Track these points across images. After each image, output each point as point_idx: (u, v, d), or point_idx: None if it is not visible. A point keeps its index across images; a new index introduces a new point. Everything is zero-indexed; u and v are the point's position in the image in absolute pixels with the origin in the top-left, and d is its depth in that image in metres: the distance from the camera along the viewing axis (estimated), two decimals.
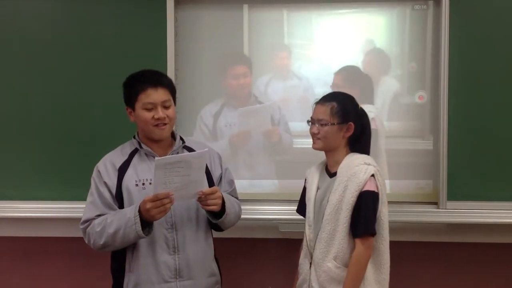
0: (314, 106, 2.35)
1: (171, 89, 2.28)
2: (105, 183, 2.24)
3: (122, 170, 2.26)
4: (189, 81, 3.06)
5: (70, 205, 2.96)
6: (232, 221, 2.36)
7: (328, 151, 2.34)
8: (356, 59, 3.01)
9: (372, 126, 2.88)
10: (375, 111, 2.96)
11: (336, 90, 2.91)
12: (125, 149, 2.33)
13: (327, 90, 2.87)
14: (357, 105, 2.34)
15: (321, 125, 2.27)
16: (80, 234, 2.28)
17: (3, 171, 3.10)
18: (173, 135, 2.35)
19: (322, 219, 2.26)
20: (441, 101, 2.88)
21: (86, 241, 2.26)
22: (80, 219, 2.27)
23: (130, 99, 2.24)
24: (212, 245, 2.38)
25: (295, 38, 3.07)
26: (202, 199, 2.16)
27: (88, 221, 2.23)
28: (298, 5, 3.04)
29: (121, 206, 2.24)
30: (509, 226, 2.93)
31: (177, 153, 2.32)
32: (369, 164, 2.24)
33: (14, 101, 3.09)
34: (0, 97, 3.10)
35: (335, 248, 2.21)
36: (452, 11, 2.87)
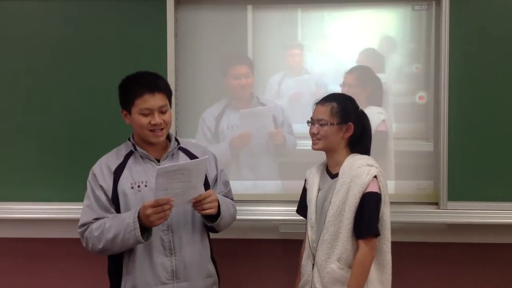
0: (315, 106, 2.35)
1: (168, 92, 2.26)
2: (101, 186, 2.24)
3: (118, 173, 2.25)
4: (189, 82, 3.06)
5: (70, 206, 2.94)
6: (227, 223, 2.35)
7: (328, 151, 2.34)
8: (357, 59, 3.01)
9: (382, 128, 2.88)
10: (385, 113, 2.96)
11: (347, 89, 2.93)
12: (121, 151, 2.32)
13: (335, 89, 2.90)
14: (357, 106, 2.35)
15: (321, 125, 2.28)
16: (78, 236, 2.28)
17: (3, 172, 3.10)
18: (168, 137, 2.34)
19: (325, 220, 2.26)
20: (442, 102, 2.88)
21: (84, 245, 2.25)
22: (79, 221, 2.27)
23: (126, 102, 2.23)
24: (209, 246, 2.38)
25: (302, 38, 3.06)
26: (197, 204, 2.16)
27: (86, 224, 2.23)
28: (303, 5, 3.03)
29: (117, 209, 2.24)
30: (509, 227, 2.93)
31: (172, 154, 2.33)
32: (371, 166, 2.24)
33: (14, 102, 3.09)
34: (0, 98, 3.10)
35: (339, 250, 2.21)
36: (453, 12, 2.86)
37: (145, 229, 2.13)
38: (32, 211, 3.05)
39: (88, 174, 2.31)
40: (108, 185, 2.24)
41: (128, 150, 2.31)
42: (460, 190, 2.91)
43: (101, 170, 2.27)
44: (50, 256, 3.23)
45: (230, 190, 2.47)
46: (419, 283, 3.09)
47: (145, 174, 2.24)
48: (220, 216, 2.23)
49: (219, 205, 2.23)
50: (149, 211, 2.06)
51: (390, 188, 2.81)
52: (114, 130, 2.78)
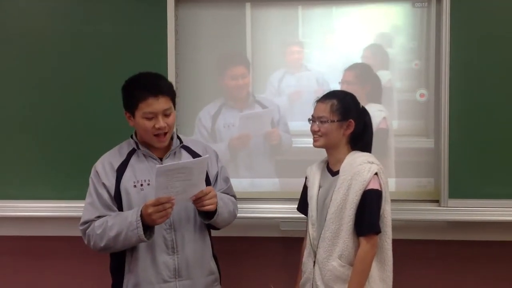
0: (315, 104, 2.35)
1: (171, 94, 2.25)
2: (103, 184, 2.24)
3: (120, 171, 2.25)
4: (189, 80, 3.05)
5: (71, 204, 2.95)
6: (227, 220, 2.36)
7: (329, 148, 2.34)
8: (357, 56, 3.00)
9: (383, 125, 2.87)
10: (386, 110, 2.96)
11: (346, 86, 2.93)
12: (123, 149, 2.32)
13: (335, 87, 2.91)
14: (358, 103, 2.35)
15: (321, 122, 2.28)
16: (80, 234, 2.28)
17: (4, 170, 3.10)
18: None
19: (326, 218, 2.26)
20: (442, 99, 2.88)
21: (86, 242, 2.25)
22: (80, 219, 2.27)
23: (130, 105, 2.22)
24: (210, 243, 2.38)
25: (301, 35, 3.06)
26: (198, 201, 2.16)
27: (88, 222, 2.23)
28: (303, 2, 3.03)
29: (119, 207, 2.24)
30: (510, 224, 2.93)
31: (175, 153, 2.33)
32: (372, 163, 2.24)
33: (14, 100, 3.08)
34: (0, 96, 3.09)
35: (340, 247, 2.22)
36: (453, 9, 2.86)
37: (148, 228, 2.13)
38: (32, 209, 3.06)
39: (88, 172, 2.31)
40: (111, 183, 2.24)
41: (131, 148, 2.31)
42: (461, 188, 2.91)
43: (104, 167, 2.27)
44: (51, 254, 3.23)
45: (230, 186, 2.47)
46: (420, 281, 3.08)
47: (148, 173, 2.24)
48: (217, 213, 2.23)
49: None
50: (150, 209, 2.07)
51: (390, 185, 2.81)
52: (114, 128, 2.77)
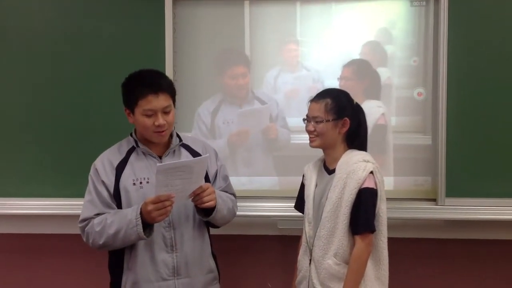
0: (309, 104, 2.35)
1: (171, 92, 2.25)
2: (103, 182, 2.24)
3: (120, 169, 2.25)
4: (187, 78, 3.05)
5: (70, 202, 2.96)
6: (226, 218, 2.36)
7: (325, 148, 2.34)
8: (356, 53, 3.01)
9: (382, 121, 2.87)
10: (384, 106, 2.97)
11: (344, 83, 2.94)
12: (122, 147, 2.32)
13: (333, 83, 2.91)
14: (352, 100, 2.34)
15: (316, 122, 2.28)
16: (79, 231, 2.28)
17: (3, 168, 3.10)
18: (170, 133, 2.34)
19: (321, 216, 2.26)
20: (440, 97, 2.88)
21: (85, 240, 2.25)
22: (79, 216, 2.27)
23: (130, 102, 2.21)
24: (209, 241, 2.38)
25: (299, 32, 3.06)
26: (197, 198, 2.16)
27: (87, 219, 2.23)
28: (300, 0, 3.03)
29: (118, 204, 2.24)
30: (507, 223, 2.93)
31: (174, 151, 2.33)
32: (367, 161, 2.24)
33: (14, 99, 3.09)
34: (0, 95, 3.09)
35: (335, 245, 2.22)
36: (451, 7, 2.86)
37: (147, 225, 2.13)
38: (31, 206, 3.06)
39: (87, 170, 2.31)
40: (110, 180, 2.24)
41: (130, 146, 2.31)
42: (458, 187, 2.91)
43: (103, 165, 2.27)
44: (50, 251, 3.24)
45: (229, 184, 2.47)
46: (416, 279, 3.09)
47: (147, 171, 2.24)
48: (216, 209, 2.23)
49: None
50: (150, 207, 2.07)
51: (388, 184, 2.84)
52: (114, 126, 2.79)
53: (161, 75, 2.27)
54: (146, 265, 2.22)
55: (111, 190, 2.24)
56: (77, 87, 3.04)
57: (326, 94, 2.33)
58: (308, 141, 2.35)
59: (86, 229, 2.22)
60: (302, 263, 2.37)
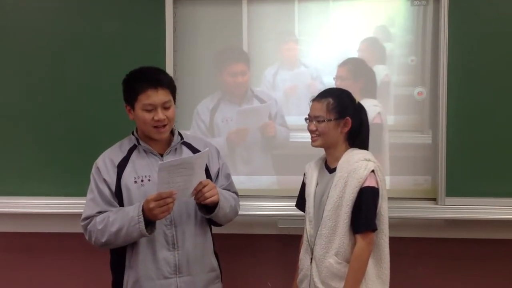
0: (311, 103, 2.35)
1: (172, 88, 2.26)
2: (104, 180, 2.24)
3: (121, 167, 2.26)
4: (187, 76, 3.06)
5: (71, 201, 2.97)
6: (229, 216, 2.36)
7: (327, 148, 2.34)
8: (354, 50, 3.01)
9: (377, 120, 2.87)
10: (380, 105, 2.97)
11: (340, 82, 2.94)
12: (124, 145, 2.33)
13: (331, 81, 2.92)
14: (354, 100, 2.35)
15: (318, 121, 2.28)
16: (81, 230, 2.28)
17: (3, 167, 3.10)
18: (171, 131, 2.34)
19: (323, 215, 2.26)
20: (440, 97, 2.88)
21: (87, 238, 2.26)
22: (81, 215, 2.27)
23: (130, 98, 2.23)
24: (211, 240, 2.39)
25: (297, 30, 3.05)
26: (199, 195, 2.16)
27: (89, 218, 2.23)
28: None
29: (120, 203, 2.24)
30: (507, 222, 2.93)
31: (175, 149, 2.33)
32: (369, 160, 2.24)
33: (13, 98, 3.09)
34: (0, 93, 3.09)
35: (336, 244, 2.22)
36: (452, 6, 2.87)
37: (149, 223, 2.13)
38: (32, 205, 3.06)
39: (87, 168, 2.31)
40: (112, 179, 2.24)
41: (132, 144, 2.31)
42: (458, 186, 2.91)
43: (105, 163, 2.27)
44: (51, 250, 3.24)
45: (231, 183, 2.47)
46: (417, 279, 3.09)
47: (149, 169, 2.25)
48: (218, 206, 2.23)
49: None
50: (152, 204, 2.07)
51: (386, 183, 2.82)
52: (114, 125, 2.79)
53: (161, 71, 2.29)
54: (147, 263, 2.22)
55: (113, 188, 2.24)
56: (77, 86, 3.04)
57: (328, 93, 2.33)
58: (308, 140, 2.36)
59: (88, 227, 2.23)
60: (303, 262, 2.37)
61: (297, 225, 2.58)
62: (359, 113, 2.33)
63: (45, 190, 3.05)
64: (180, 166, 2.04)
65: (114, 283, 2.32)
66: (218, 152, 2.46)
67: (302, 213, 2.45)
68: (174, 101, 2.28)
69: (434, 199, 2.96)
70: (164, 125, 2.23)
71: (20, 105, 3.08)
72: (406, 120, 3.00)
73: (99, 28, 3.03)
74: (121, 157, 2.28)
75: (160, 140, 2.29)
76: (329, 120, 2.27)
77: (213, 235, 2.40)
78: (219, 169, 2.42)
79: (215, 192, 2.20)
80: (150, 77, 2.20)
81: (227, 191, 2.40)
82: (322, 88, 2.51)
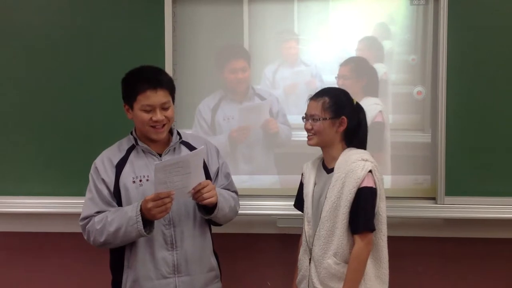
0: (308, 102, 2.35)
1: (171, 89, 2.25)
2: (103, 180, 2.24)
3: (120, 167, 2.26)
4: (187, 75, 3.06)
5: (70, 200, 2.96)
6: (228, 216, 2.35)
7: (323, 146, 2.34)
8: (353, 49, 3.01)
9: (379, 118, 2.87)
10: (382, 104, 2.96)
11: (342, 81, 2.94)
12: (122, 145, 2.32)
13: (331, 79, 2.92)
14: (351, 100, 2.34)
15: (314, 120, 2.28)
16: (80, 230, 2.28)
17: (2, 166, 3.10)
18: (170, 130, 2.34)
19: (321, 215, 2.26)
20: (439, 96, 2.88)
21: (86, 238, 2.26)
22: (80, 214, 2.27)
23: (129, 97, 2.22)
24: (211, 239, 2.38)
25: (298, 28, 3.05)
26: (197, 195, 2.16)
27: (88, 218, 2.23)
28: None
29: (118, 203, 2.24)
30: (507, 221, 2.94)
31: (174, 149, 2.33)
32: (366, 160, 2.24)
33: (13, 97, 3.09)
34: None
35: (335, 245, 2.21)
36: (451, 5, 2.86)
37: (148, 223, 2.13)
38: (31, 205, 3.06)
39: (86, 168, 2.31)
40: (110, 178, 2.24)
41: (130, 144, 2.31)
42: (457, 185, 2.91)
43: (103, 163, 2.27)
44: (50, 250, 3.24)
45: (231, 182, 2.47)
46: (416, 278, 3.10)
47: (147, 169, 2.25)
48: (217, 207, 2.23)
49: None
50: (150, 204, 2.07)
51: (386, 182, 2.83)
52: (112, 125, 2.79)
53: (161, 72, 2.28)
54: (146, 262, 2.22)
55: (111, 188, 2.24)
56: (76, 86, 3.04)
57: (325, 92, 2.33)
58: None
59: (87, 227, 2.23)
60: (302, 263, 2.37)
61: (296, 225, 2.58)
62: (356, 113, 2.33)
63: (44, 190, 3.05)
64: (176, 166, 2.04)
65: (113, 282, 2.32)
66: (217, 151, 2.46)
67: (301, 212, 2.45)
68: (173, 101, 2.28)
69: (433, 199, 2.96)
70: (162, 125, 2.22)
71: (19, 105, 3.08)
72: (405, 119, 3.00)
73: (98, 27, 3.03)
74: (119, 157, 2.28)
75: (158, 140, 2.28)
76: (324, 119, 2.26)
77: (212, 235, 2.40)
78: (218, 168, 2.41)
79: (214, 193, 2.19)
80: (150, 77, 2.20)
81: (227, 191, 2.39)
82: (321, 86, 2.52)
